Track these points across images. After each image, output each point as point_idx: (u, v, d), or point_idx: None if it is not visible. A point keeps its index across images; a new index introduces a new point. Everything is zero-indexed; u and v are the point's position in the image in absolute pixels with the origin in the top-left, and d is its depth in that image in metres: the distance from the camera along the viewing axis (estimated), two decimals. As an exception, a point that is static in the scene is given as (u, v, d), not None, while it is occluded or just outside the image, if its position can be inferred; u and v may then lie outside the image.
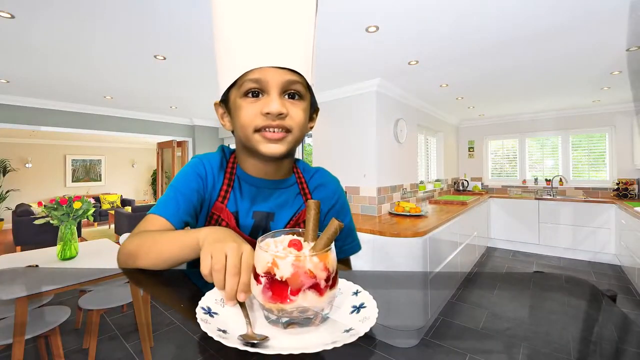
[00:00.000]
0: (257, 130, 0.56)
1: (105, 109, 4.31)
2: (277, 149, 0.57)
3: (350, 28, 2.00)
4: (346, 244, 0.75)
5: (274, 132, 0.56)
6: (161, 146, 6.07)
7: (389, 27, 2.00)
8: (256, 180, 0.66)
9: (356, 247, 0.77)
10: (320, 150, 3.67)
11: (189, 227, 0.63)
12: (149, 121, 4.94)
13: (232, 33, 0.56)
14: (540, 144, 5.22)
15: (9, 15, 1.77)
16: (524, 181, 5.26)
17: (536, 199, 4.60)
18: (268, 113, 0.54)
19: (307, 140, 4.95)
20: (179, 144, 5.64)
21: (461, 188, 5.50)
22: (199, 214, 0.65)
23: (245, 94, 0.56)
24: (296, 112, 0.57)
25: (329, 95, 3.49)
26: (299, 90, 0.57)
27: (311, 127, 0.65)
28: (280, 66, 0.54)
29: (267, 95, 0.55)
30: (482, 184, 5.63)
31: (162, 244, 0.52)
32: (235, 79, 0.56)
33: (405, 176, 3.71)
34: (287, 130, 0.57)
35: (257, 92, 0.55)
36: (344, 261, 0.76)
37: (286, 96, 0.56)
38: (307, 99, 0.59)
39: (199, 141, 5.64)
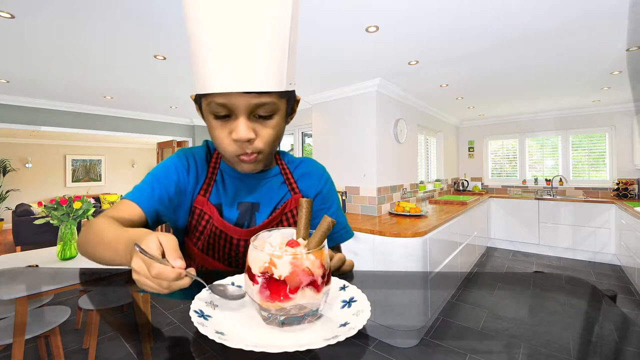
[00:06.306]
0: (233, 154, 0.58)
1: (105, 109, 4.30)
2: (253, 168, 0.61)
3: (350, 28, 2.00)
4: (334, 232, 0.74)
5: (248, 155, 0.58)
6: (161, 146, 6.07)
7: (389, 27, 2.00)
8: (239, 172, 0.68)
9: (346, 235, 0.76)
10: (320, 150, 3.66)
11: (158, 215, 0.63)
12: (149, 121, 4.93)
13: (201, 41, 0.51)
14: (540, 144, 5.22)
15: (9, 15, 1.77)
16: (524, 181, 5.25)
17: (536, 199, 4.60)
18: (237, 140, 0.55)
19: (307, 140, 4.95)
20: (179, 144, 5.63)
21: (461, 188, 5.50)
22: (179, 208, 0.66)
23: (215, 116, 0.55)
24: (266, 132, 0.57)
25: (329, 95, 3.49)
26: (268, 111, 0.55)
27: (291, 118, 0.65)
28: (248, 91, 0.51)
29: (235, 118, 0.54)
30: (482, 184, 5.63)
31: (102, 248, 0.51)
32: (202, 92, 0.54)
33: (405, 176, 3.70)
34: (259, 152, 0.58)
35: (225, 115, 0.55)
36: (334, 249, 0.75)
37: (256, 115, 0.55)
38: (280, 110, 0.57)
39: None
